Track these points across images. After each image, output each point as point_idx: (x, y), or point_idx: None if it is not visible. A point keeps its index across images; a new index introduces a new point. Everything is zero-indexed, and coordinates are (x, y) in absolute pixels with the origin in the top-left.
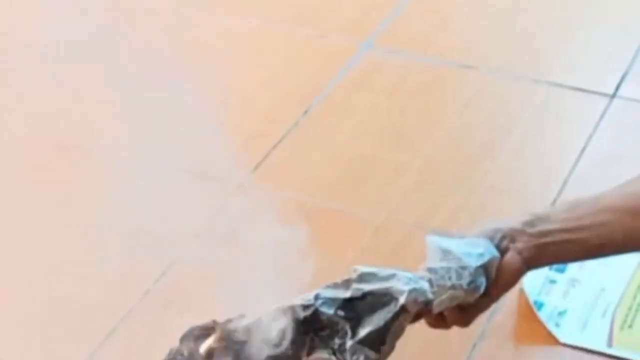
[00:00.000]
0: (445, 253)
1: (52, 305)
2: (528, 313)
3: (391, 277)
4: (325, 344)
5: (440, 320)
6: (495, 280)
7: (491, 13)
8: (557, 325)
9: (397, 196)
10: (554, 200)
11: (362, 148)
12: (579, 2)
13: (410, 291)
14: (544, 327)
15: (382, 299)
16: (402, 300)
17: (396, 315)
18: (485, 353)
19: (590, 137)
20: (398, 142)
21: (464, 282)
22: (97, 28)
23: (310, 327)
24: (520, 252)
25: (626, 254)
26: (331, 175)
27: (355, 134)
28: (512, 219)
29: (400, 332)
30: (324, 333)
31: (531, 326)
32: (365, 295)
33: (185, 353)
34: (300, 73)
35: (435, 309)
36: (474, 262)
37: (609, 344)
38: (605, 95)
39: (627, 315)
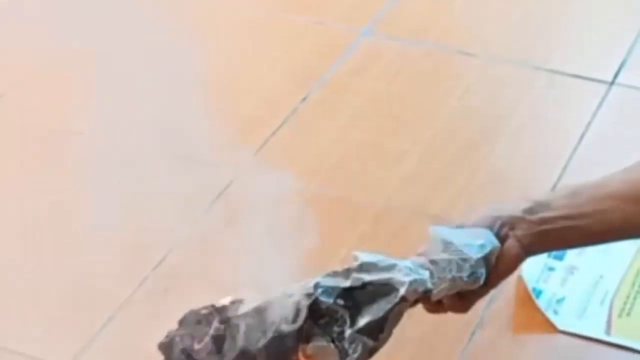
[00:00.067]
0: (447, 245)
1: (50, 292)
2: (526, 300)
3: (392, 267)
4: (324, 331)
5: (438, 306)
6: (495, 267)
7: (491, 0)
8: (555, 312)
9: (396, 182)
10: (553, 186)
11: (362, 134)
12: None
13: (411, 282)
14: (543, 315)
15: (382, 289)
16: (402, 291)
17: (396, 305)
18: (483, 340)
19: (589, 124)
20: (397, 128)
21: (465, 274)
22: (95, 8)
23: (309, 315)
24: (520, 240)
25: (625, 241)
26: (330, 161)
27: (355, 120)
28: (511, 205)
29: (398, 318)
30: (323, 321)
31: (529, 313)
32: (365, 285)
33: (183, 337)
34: (299, 59)
35: (434, 297)
36: (475, 254)
37: (607, 331)
38: (604, 82)
39: (625, 303)
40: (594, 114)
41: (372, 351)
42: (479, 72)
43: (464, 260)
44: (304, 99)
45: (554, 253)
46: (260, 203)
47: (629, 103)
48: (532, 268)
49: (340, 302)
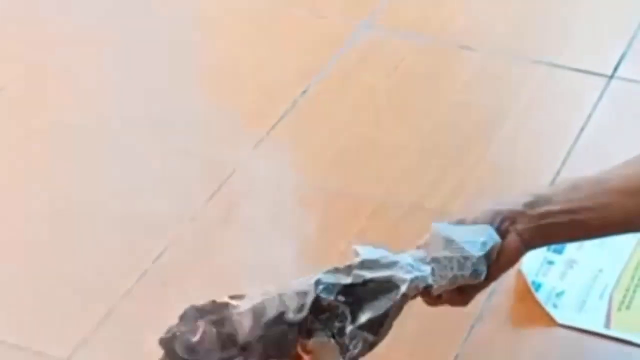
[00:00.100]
0: (448, 242)
1: (49, 285)
2: (526, 294)
3: (393, 264)
4: (325, 327)
5: (438, 300)
6: (496, 262)
7: None
8: (554, 306)
9: (395, 176)
10: (553, 180)
11: (361, 128)
12: None
13: (412, 280)
14: (542, 308)
15: (384, 286)
16: (403, 289)
17: (396, 302)
18: (483, 334)
19: (588, 117)
20: (397, 122)
21: (466, 272)
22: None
23: (310, 310)
24: (520, 234)
25: (625, 235)
26: (330, 155)
27: (354, 113)
28: (512, 199)
29: (398, 313)
30: (324, 316)
31: (529, 307)
32: (366, 282)
33: (184, 332)
34: (299, 53)
35: (435, 292)
36: (477, 252)
37: (607, 324)
38: (603, 75)
39: (624, 296)
40: (594, 108)
41: (372, 345)
42: (478, 65)
43: (466, 258)
44: (304, 92)
45: (553, 247)
46: (259, 196)
47: (628, 96)
48: (532, 262)
49: (341, 298)
